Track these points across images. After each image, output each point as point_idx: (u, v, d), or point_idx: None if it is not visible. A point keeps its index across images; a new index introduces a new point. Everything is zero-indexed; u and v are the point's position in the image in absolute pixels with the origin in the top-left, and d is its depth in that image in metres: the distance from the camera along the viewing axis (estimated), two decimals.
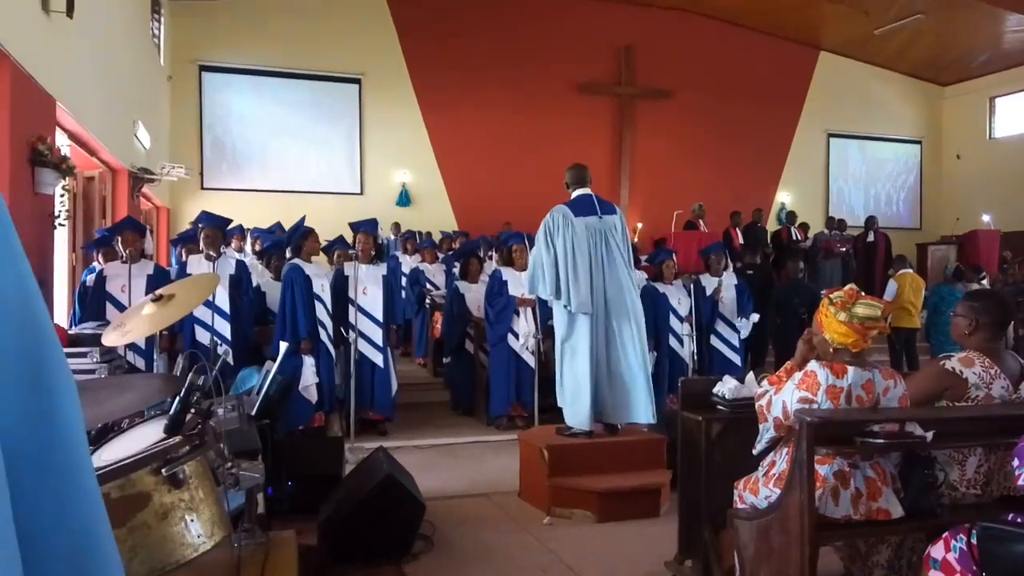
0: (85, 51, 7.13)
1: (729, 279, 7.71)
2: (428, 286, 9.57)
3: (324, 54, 14.19)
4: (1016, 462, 2.31)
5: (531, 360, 6.86)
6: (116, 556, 0.72)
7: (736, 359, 7.55)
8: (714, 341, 7.60)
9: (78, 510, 0.70)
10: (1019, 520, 2.34)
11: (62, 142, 6.72)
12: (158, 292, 2.57)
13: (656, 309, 7.36)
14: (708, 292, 7.60)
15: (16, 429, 0.65)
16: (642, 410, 4.94)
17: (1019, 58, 16.10)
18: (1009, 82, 16.77)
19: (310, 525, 3.89)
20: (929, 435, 2.78)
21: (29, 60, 5.31)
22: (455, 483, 5.35)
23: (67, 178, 5.87)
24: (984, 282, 11.07)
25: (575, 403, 4.97)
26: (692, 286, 7.56)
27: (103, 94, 7.97)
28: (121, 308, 5.74)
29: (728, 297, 7.60)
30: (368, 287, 6.63)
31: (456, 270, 8.97)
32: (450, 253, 10.69)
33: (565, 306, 4.93)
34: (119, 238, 6.02)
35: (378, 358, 6.63)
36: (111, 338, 2.58)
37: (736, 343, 7.60)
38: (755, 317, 7.69)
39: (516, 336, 6.92)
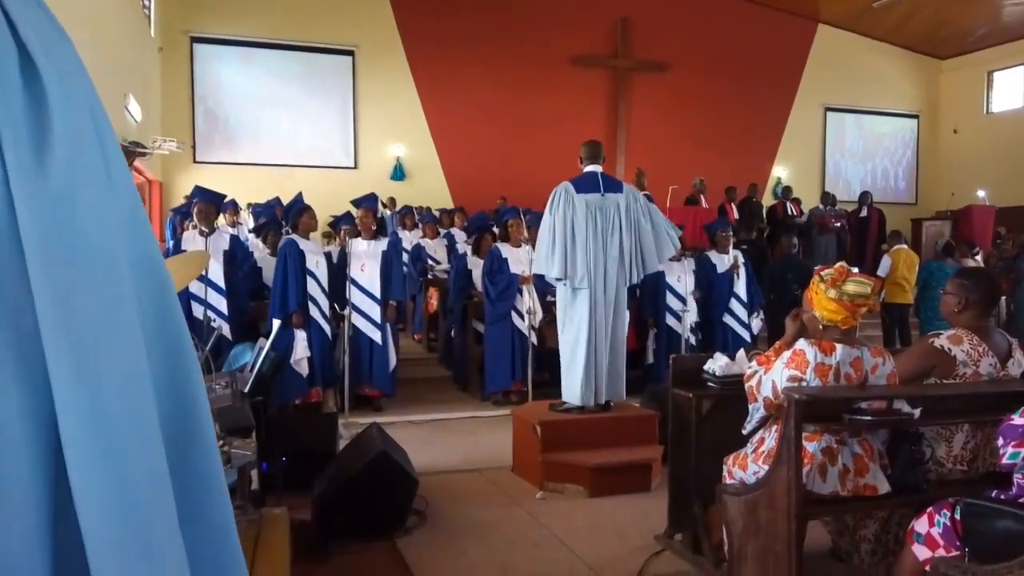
0: (74, 24, 7.03)
1: (741, 257, 7.71)
2: (430, 262, 9.55)
3: (317, 25, 14.03)
4: (1001, 440, 2.33)
5: (533, 337, 6.88)
6: (241, 553, 0.70)
7: (746, 335, 7.58)
8: (727, 319, 7.61)
9: (218, 512, 0.67)
10: (1002, 497, 2.37)
11: None
12: None
13: (655, 286, 7.38)
14: (720, 269, 7.59)
15: (167, 406, 0.63)
16: (619, 390, 5.04)
17: (1017, 32, 15.99)
18: (1007, 56, 16.68)
19: (304, 500, 3.93)
20: (916, 412, 2.81)
21: None
22: (449, 458, 5.39)
23: None
24: (977, 257, 11.11)
25: (569, 377, 5.04)
26: (695, 260, 7.57)
27: (92, 67, 7.76)
28: None
29: (741, 274, 7.61)
30: (366, 263, 6.62)
31: (460, 245, 8.96)
32: (453, 228, 10.67)
33: (558, 279, 4.98)
34: None
35: (376, 334, 6.63)
36: None
37: (747, 320, 7.63)
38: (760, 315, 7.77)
39: (520, 315, 6.93)
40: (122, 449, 0.57)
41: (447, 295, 8.19)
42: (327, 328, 6.44)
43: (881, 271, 9.41)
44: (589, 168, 5.15)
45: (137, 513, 0.58)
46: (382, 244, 6.78)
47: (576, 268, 4.91)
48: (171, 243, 6.70)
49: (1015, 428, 2.28)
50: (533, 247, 6.98)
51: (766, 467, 2.83)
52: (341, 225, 7.36)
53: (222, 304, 6.07)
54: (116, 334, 0.58)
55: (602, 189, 5.03)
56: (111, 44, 8.83)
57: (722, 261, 7.63)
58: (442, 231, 10.52)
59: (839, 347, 2.73)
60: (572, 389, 5.01)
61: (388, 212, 12.71)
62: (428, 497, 4.29)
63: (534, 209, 10.72)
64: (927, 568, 2.42)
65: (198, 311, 5.99)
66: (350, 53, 14.48)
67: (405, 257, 9.85)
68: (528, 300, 6.86)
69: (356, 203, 6.90)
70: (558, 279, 5.00)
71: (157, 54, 12.95)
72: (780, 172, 16.94)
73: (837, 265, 2.94)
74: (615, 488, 4.58)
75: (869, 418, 2.74)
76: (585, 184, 5.05)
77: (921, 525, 2.52)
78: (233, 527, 0.68)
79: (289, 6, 13.82)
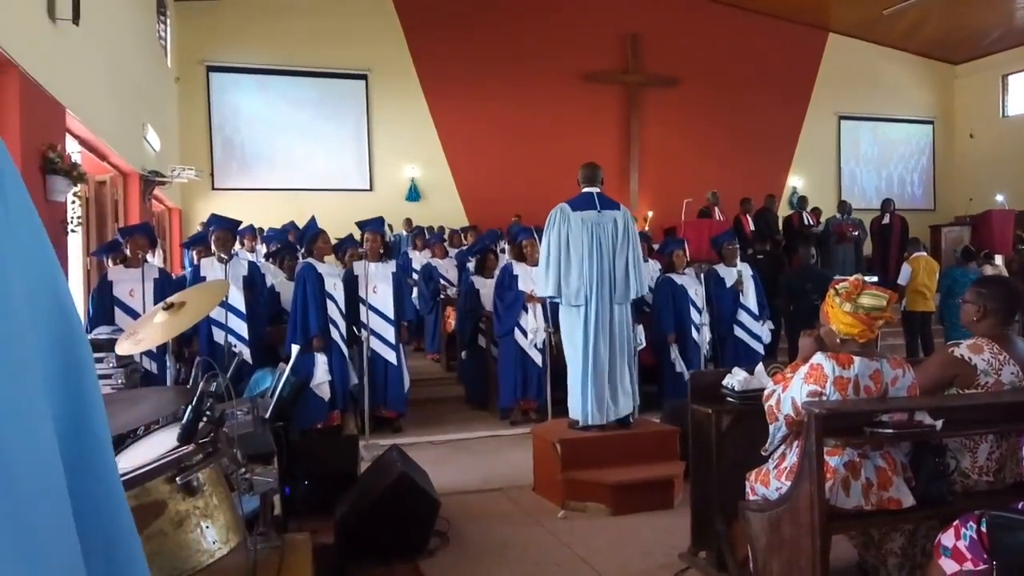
0: (92, 57, 7.19)
1: (747, 271, 7.68)
2: (442, 282, 9.59)
3: (330, 51, 14.22)
4: None
5: (538, 356, 6.89)
6: (142, 556, 0.75)
7: (760, 348, 7.53)
8: (738, 332, 7.57)
9: (112, 509, 0.73)
10: None
11: (72, 148, 6.79)
12: (169, 300, 2.61)
13: (675, 301, 7.38)
14: (728, 283, 7.57)
15: (61, 429, 0.67)
16: (622, 405, 4.99)
17: None
18: (1022, 59, 16.56)
19: (326, 524, 3.94)
20: (939, 423, 2.78)
21: (37, 69, 5.36)
22: (469, 478, 5.38)
23: (78, 184, 5.93)
24: (997, 261, 10.99)
25: (572, 397, 5.06)
26: (703, 275, 7.55)
27: (112, 98, 8.04)
28: (131, 312, 5.81)
29: (748, 288, 7.58)
30: (378, 285, 6.67)
31: (471, 265, 8.99)
32: (463, 248, 10.71)
33: (553, 298, 5.04)
34: (130, 241, 6.07)
35: (391, 355, 6.67)
36: (124, 347, 2.63)
37: (758, 332, 7.58)
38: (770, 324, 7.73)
39: (523, 332, 6.94)
40: (12, 461, 0.60)
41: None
42: (345, 350, 6.49)
43: (901, 279, 9.33)
44: (586, 189, 5.18)
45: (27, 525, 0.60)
46: (391, 266, 6.84)
47: (571, 285, 4.93)
48: (189, 271, 6.78)
49: None
50: None
51: (788, 483, 2.81)
52: (345, 247, 7.42)
53: (243, 329, 6.13)
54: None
55: (599, 206, 5.05)
56: (129, 76, 9.01)
57: (730, 274, 7.61)
58: (452, 251, 10.57)
59: (857, 360, 2.72)
60: (575, 408, 5.03)
61: (405, 233, 12.81)
62: (450, 518, 4.29)
63: None
64: None
65: (219, 336, 6.05)
66: (363, 77, 14.65)
67: (415, 277, 9.93)
68: (532, 319, 6.87)
69: (362, 226, 6.95)
70: (551, 297, 5.05)
71: (174, 84, 13.17)
72: (795, 182, 16.88)
73: (852, 278, 2.93)
74: (637, 506, 4.55)
75: (891, 431, 2.72)
76: (581, 202, 5.08)
77: (948, 538, 2.49)
78: (132, 530, 0.73)
79: (302, 33, 14.02)
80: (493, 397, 7.48)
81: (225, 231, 6.45)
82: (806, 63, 16.89)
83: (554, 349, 6.90)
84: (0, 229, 0.65)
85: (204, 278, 6.14)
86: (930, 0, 14.21)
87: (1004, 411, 3.02)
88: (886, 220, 12.11)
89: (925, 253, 9.70)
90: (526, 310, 6.96)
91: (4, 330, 0.62)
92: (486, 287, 7.62)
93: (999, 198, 13.20)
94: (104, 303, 5.96)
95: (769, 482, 2.95)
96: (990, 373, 2.98)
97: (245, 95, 14.12)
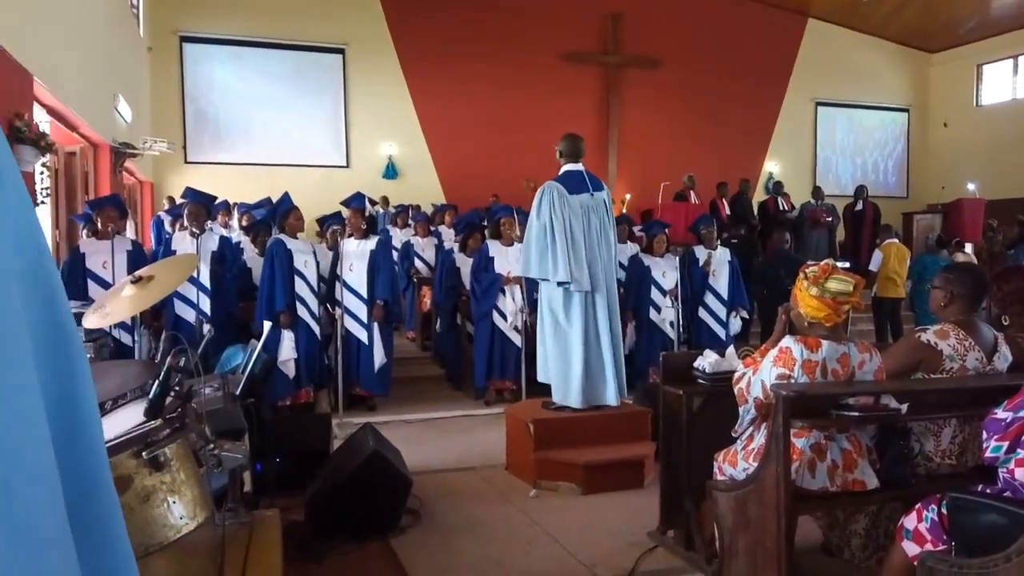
0: (61, 24, 7.02)
1: (724, 255, 7.71)
2: (417, 261, 9.53)
3: (307, 24, 14.01)
4: (984, 434, 2.35)
5: (516, 337, 6.88)
6: (127, 541, 0.72)
7: (722, 333, 7.57)
8: (702, 313, 7.62)
9: (100, 490, 0.69)
10: (987, 491, 2.39)
11: (40, 118, 6.64)
12: (137, 274, 2.57)
13: (640, 281, 7.39)
14: (701, 263, 7.60)
15: (52, 409, 0.64)
16: (611, 392, 5.00)
17: (1006, 24, 16.06)
18: (996, 49, 16.75)
19: (298, 501, 3.94)
20: (904, 407, 2.83)
21: (3, 35, 5.22)
22: (443, 457, 5.40)
23: (47, 155, 5.81)
24: (968, 250, 11.16)
25: (565, 381, 4.98)
26: (679, 259, 7.58)
27: (81, 68, 7.86)
28: (104, 284, 5.73)
29: (721, 272, 7.61)
30: (354, 263, 6.63)
31: (449, 242, 8.96)
32: (442, 226, 10.66)
33: (560, 284, 4.87)
34: (100, 214, 5.97)
35: (363, 334, 6.63)
36: (92, 320, 2.58)
37: (723, 317, 7.63)
38: (744, 314, 7.77)
39: (502, 315, 6.93)
40: (8, 450, 0.57)
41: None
42: (316, 328, 6.44)
43: (872, 265, 9.45)
44: (570, 166, 5.10)
45: (22, 515, 0.57)
46: (371, 243, 6.78)
47: (582, 271, 4.85)
48: (158, 245, 6.69)
49: (998, 422, 2.30)
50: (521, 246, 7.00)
51: (756, 464, 2.84)
52: (330, 224, 7.35)
53: (206, 305, 6.06)
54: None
55: (591, 189, 5.03)
56: (100, 45, 8.80)
57: (705, 256, 7.64)
58: (432, 229, 10.51)
59: (825, 343, 2.76)
60: (569, 393, 4.97)
61: (381, 211, 12.71)
62: (422, 496, 4.30)
63: (526, 208, 10.74)
64: (915, 563, 2.44)
65: (189, 314, 5.99)
66: (341, 51, 14.46)
67: (395, 255, 9.86)
68: (511, 301, 6.86)
69: (345, 203, 6.90)
70: (562, 283, 4.86)
71: (146, 54, 12.90)
72: (772, 167, 16.99)
73: (822, 263, 2.96)
74: (608, 485, 4.59)
75: (857, 414, 2.76)
76: (574, 184, 5.01)
77: (910, 521, 2.54)
78: (122, 529, 0.70)
79: (279, 5, 13.79)
80: (468, 376, 7.49)
81: (199, 205, 6.37)
82: (785, 48, 16.94)
83: (531, 330, 6.91)
84: None
85: (175, 252, 6.06)
86: None
87: (968, 396, 3.07)
88: (859, 207, 12.23)
89: (897, 240, 9.82)
90: (503, 292, 6.95)
91: None
92: (467, 265, 7.59)
93: (971, 187, 13.38)
94: (76, 275, 5.87)
95: (737, 463, 2.99)
96: (955, 359, 3.03)
97: (219, 67, 13.88)
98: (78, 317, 4.57)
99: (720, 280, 7.58)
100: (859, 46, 17.49)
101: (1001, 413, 2.31)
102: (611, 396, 5.00)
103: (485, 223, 8.27)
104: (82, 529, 0.62)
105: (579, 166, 5.11)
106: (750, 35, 16.28)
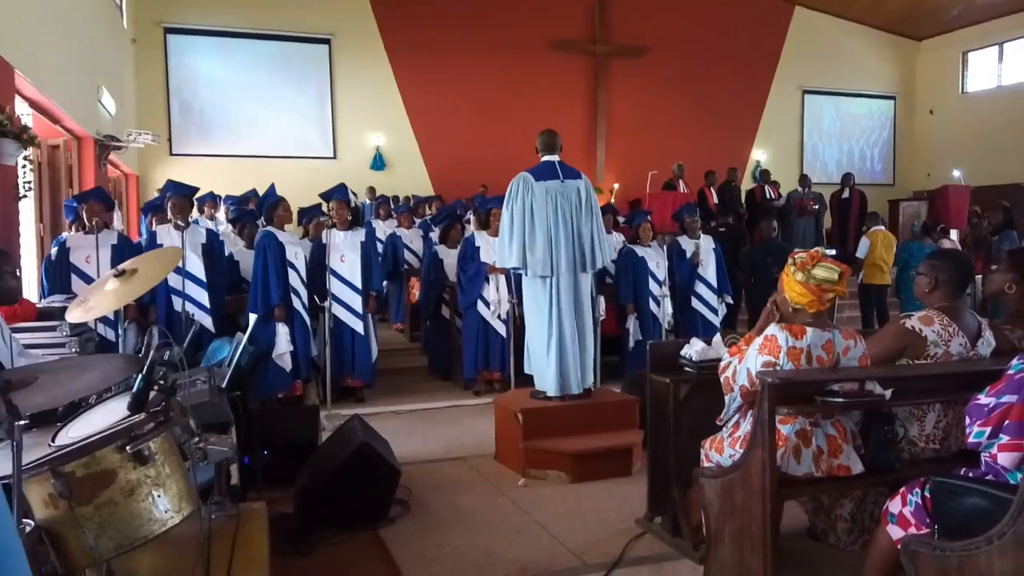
0: (43, 16, 6.94)
1: (708, 243, 7.75)
2: (406, 253, 9.51)
3: (292, 14, 13.90)
4: (967, 419, 2.37)
5: (501, 328, 6.90)
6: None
7: (715, 321, 7.64)
8: (695, 303, 7.66)
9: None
10: (970, 474, 2.42)
11: (23, 111, 6.57)
12: (120, 267, 2.55)
13: (636, 272, 7.42)
14: (688, 255, 7.64)
15: None
16: (588, 376, 5.05)
17: (991, 12, 16.12)
18: (982, 36, 16.82)
19: (287, 493, 3.94)
20: (888, 393, 2.85)
21: None
22: (432, 447, 5.41)
23: (29, 148, 5.74)
24: (953, 236, 11.24)
25: (538, 368, 5.08)
26: (666, 248, 7.60)
27: (64, 60, 7.77)
28: (87, 279, 5.68)
29: (708, 260, 7.65)
30: (346, 254, 6.61)
31: (434, 235, 8.95)
32: (426, 218, 10.64)
33: (516, 269, 5.02)
34: (84, 207, 5.92)
35: (358, 325, 6.62)
36: (75, 314, 2.57)
37: (715, 305, 7.69)
38: (729, 299, 7.83)
39: (487, 304, 6.94)
40: None
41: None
42: (308, 320, 6.43)
43: (859, 253, 9.50)
44: (546, 158, 5.15)
45: None
46: (360, 235, 6.76)
47: (536, 255, 4.91)
48: (145, 238, 6.64)
49: (981, 407, 2.32)
50: None
51: (742, 451, 2.86)
52: (313, 217, 7.31)
53: (203, 297, 6.02)
54: None
55: (561, 176, 5.04)
56: (83, 37, 8.71)
57: (691, 247, 7.68)
58: (418, 220, 10.49)
59: (810, 330, 2.77)
60: (543, 379, 5.04)
61: (368, 201, 12.66)
62: (411, 487, 4.32)
63: None
64: (900, 547, 2.46)
65: (178, 305, 5.95)
66: (326, 41, 14.36)
67: (380, 247, 9.83)
68: (495, 290, 6.87)
69: (325, 196, 6.85)
70: (515, 268, 5.03)
71: (130, 46, 12.78)
72: (759, 155, 17.02)
73: (812, 250, 2.98)
74: (596, 473, 4.61)
75: (841, 400, 2.78)
76: (543, 172, 5.06)
77: (894, 505, 2.56)
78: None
79: None
80: (457, 367, 7.50)
81: (182, 198, 6.31)
82: (772, 36, 16.95)
83: (517, 320, 6.93)
84: None
85: (160, 245, 6.01)
86: None
87: (951, 381, 3.10)
88: (846, 194, 12.28)
89: (883, 227, 9.87)
90: (488, 281, 6.95)
91: None
92: (450, 257, 7.59)
93: (956, 174, 13.45)
94: (61, 269, 5.82)
95: (723, 449, 3.01)
96: (939, 344, 3.06)
97: (204, 58, 13.76)
98: (63, 311, 4.54)
99: (708, 269, 7.64)
100: (846, 34, 17.52)
101: (984, 399, 2.33)
102: (574, 385, 5.03)
103: (467, 213, 8.26)
104: None
105: (554, 157, 5.14)
106: (737, 23, 16.27)
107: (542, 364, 5.03)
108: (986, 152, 15.83)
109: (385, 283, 9.32)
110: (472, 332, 7.01)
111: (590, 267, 5.08)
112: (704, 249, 7.64)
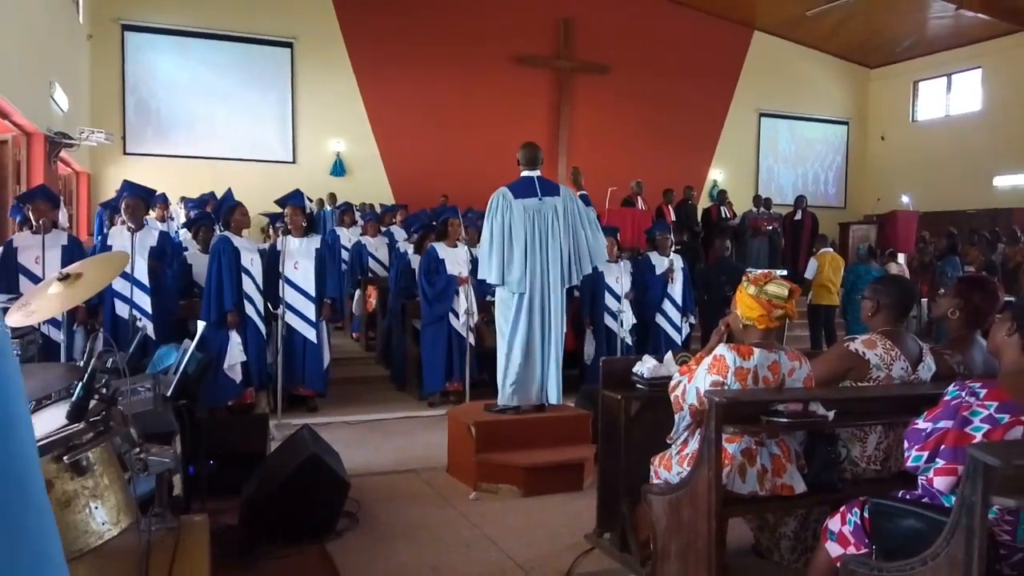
0: None
1: (678, 262, 7.85)
2: (371, 262, 9.43)
3: (255, 15, 13.77)
4: (906, 443, 2.44)
5: (470, 338, 6.88)
6: (59, 540, 0.68)
7: (678, 339, 7.74)
8: (659, 320, 7.75)
9: (34, 488, 0.64)
10: (907, 496, 2.48)
11: None
12: (64, 271, 2.49)
13: (594, 287, 7.47)
14: (658, 271, 7.71)
15: None
16: (555, 391, 5.09)
17: (941, 44, 16.70)
18: (931, 66, 17.41)
19: (233, 504, 3.87)
20: (831, 414, 2.92)
21: None
22: (384, 459, 5.36)
23: None
24: (900, 260, 11.56)
25: (505, 380, 5.07)
26: (633, 261, 7.68)
27: (15, 54, 7.57)
28: (35, 280, 5.52)
29: (677, 278, 7.75)
30: (299, 261, 6.52)
31: (402, 242, 8.87)
32: (393, 226, 10.58)
33: (495, 284, 5.04)
34: (30, 207, 5.76)
35: (311, 333, 6.54)
36: (15, 318, 2.49)
37: (679, 323, 7.78)
38: (692, 319, 7.94)
39: (457, 316, 6.91)
40: None
41: (386, 293, 8.14)
42: (262, 327, 6.33)
43: (808, 273, 9.71)
44: (526, 173, 5.18)
45: None
46: (315, 242, 6.69)
47: (513, 272, 4.95)
48: (98, 239, 6.48)
49: (919, 432, 2.39)
50: (469, 247, 7.01)
51: (689, 468, 2.90)
52: (275, 223, 7.22)
53: (147, 303, 5.88)
54: None
55: (539, 194, 5.08)
56: (36, 30, 8.50)
57: (661, 263, 7.77)
58: (383, 229, 10.41)
59: (757, 351, 2.83)
60: (504, 391, 5.06)
61: (328, 208, 12.56)
62: (361, 499, 4.27)
63: (476, 208, 10.73)
64: (838, 564, 2.51)
65: (123, 310, 5.81)
66: (289, 45, 14.25)
67: (345, 255, 9.74)
68: (465, 301, 6.85)
69: (281, 202, 6.77)
70: (495, 284, 5.05)
71: (86, 41, 12.50)
72: (716, 175, 17.33)
73: (767, 271, 3.06)
74: (548, 488, 4.62)
75: (786, 420, 2.84)
76: (522, 189, 5.09)
77: (834, 523, 2.62)
78: (53, 526, 0.67)
79: None
80: (412, 378, 7.44)
81: (137, 199, 6.16)
82: (731, 59, 17.30)
83: (478, 332, 6.93)
84: None
85: (111, 247, 5.88)
86: (851, 4, 14.73)
87: (893, 404, 3.18)
88: (798, 216, 12.57)
89: (832, 249, 10.12)
90: (458, 294, 6.93)
91: None
92: None
93: (904, 199, 13.86)
94: (8, 269, 5.65)
95: (671, 467, 3.05)
96: (882, 368, 3.14)
97: (162, 57, 13.54)
98: (3, 312, 4.40)
99: (676, 287, 7.74)
100: (802, 59, 17.98)
101: (921, 423, 2.40)
102: (550, 395, 5.08)
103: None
104: (9, 528, 0.60)
105: (534, 173, 5.17)
106: (698, 45, 16.58)
107: (506, 376, 5.04)
108: (934, 179, 16.35)
109: (357, 292, 9.27)
110: (440, 345, 6.95)
111: (571, 280, 5.14)
112: (676, 267, 7.74)
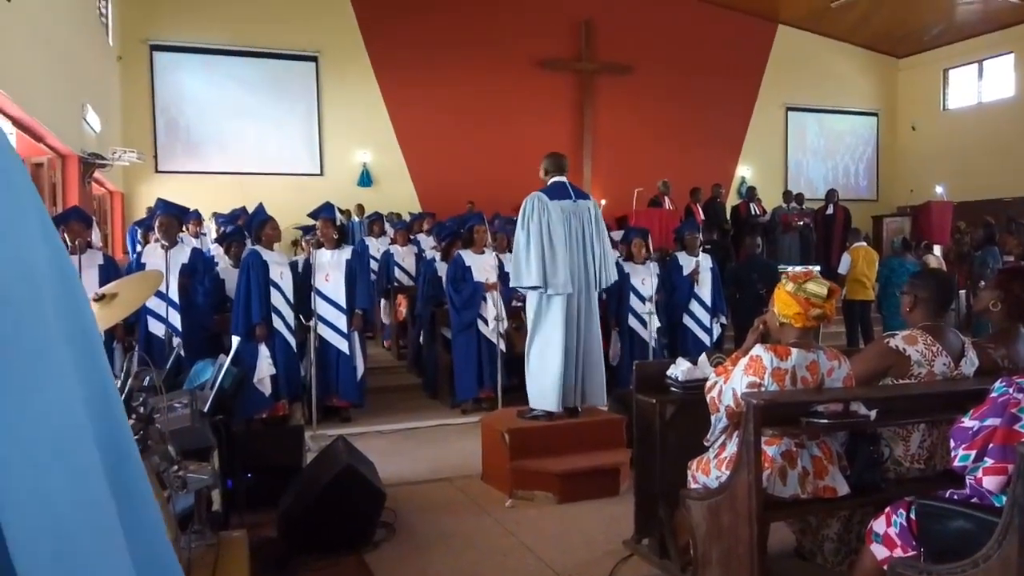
0: (26, 33, 6.90)
1: (706, 262, 7.76)
2: (397, 271, 9.47)
3: (279, 31, 13.91)
4: (952, 443, 2.37)
5: (502, 345, 6.85)
6: (156, 504, 0.76)
7: (707, 340, 7.63)
8: (687, 321, 7.66)
9: (133, 461, 0.72)
10: (955, 496, 2.41)
11: (6, 129, 6.53)
12: (100, 291, 2.53)
13: (620, 288, 7.41)
14: (685, 271, 7.64)
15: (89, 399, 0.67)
16: (599, 394, 5.05)
17: (971, 30, 16.36)
18: (961, 54, 17.05)
19: (270, 517, 3.89)
20: (873, 413, 2.85)
21: None
22: (418, 468, 5.36)
23: None
24: (936, 252, 11.34)
25: (543, 385, 5.00)
26: (658, 264, 7.61)
27: (48, 78, 7.74)
28: None
29: (705, 279, 7.66)
30: (330, 273, 6.57)
31: (429, 250, 8.89)
32: (420, 234, 10.60)
33: (537, 287, 4.91)
34: (64, 228, 5.86)
35: (343, 344, 6.57)
36: None
37: (708, 324, 7.69)
38: (723, 320, 7.84)
39: (486, 322, 6.90)
40: (56, 488, 0.60)
41: (415, 302, 8.16)
42: (292, 340, 6.37)
43: (841, 268, 9.55)
44: (555, 179, 5.15)
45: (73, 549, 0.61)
46: (346, 253, 6.73)
47: (558, 274, 4.88)
48: (133, 256, 6.59)
49: (965, 431, 2.32)
50: (497, 253, 6.99)
51: (728, 472, 2.85)
52: (307, 236, 7.28)
53: (176, 320, 5.95)
54: (45, 376, 0.62)
55: (573, 196, 5.06)
56: (68, 54, 8.68)
57: (689, 263, 7.69)
58: (411, 237, 10.46)
59: (794, 351, 2.77)
60: (545, 395, 4.97)
61: (357, 219, 12.63)
62: (397, 509, 4.27)
63: (502, 214, 10.74)
64: (885, 567, 2.46)
65: (156, 327, 5.89)
66: (313, 59, 14.37)
67: (374, 265, 9.79)
68: (493, 307, 6.84)
69: (313, 215, 6.83)
70: (536, 287, 4.92)
71: (116, 63, 12.74)
72: (744, 172, 17.14)
73: (807, 268, 3.01)
74: (584, 494, 4.59)
75: (826, 421, 2.78)
76: (556, 192, 5.06)
77: (879, 525, 2.56)
78: (150, 493, 0.75)
79: (250, 12, 13.68)
80: (444, 386, 7.45)
81: (170, 216, 6.26)
82: (755, 54, 17.11)
83: (507, 337, 6.91)
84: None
85: (145, 265, 5.97)
86: None
87: (936, 401, 3.11)
88: (830, 210, 12.37)
89: (865, 243, 9.94)
90: (485, 300, 6.92)
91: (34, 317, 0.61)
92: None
93: (939, 190, 13.59)
94: None
95: (710, 471, 3.00)
96: (923, 364, 3.07)
97: (190, 75, 13.74)
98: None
99: (704, 287, 7.64)
100: (828, 51, 17.72)
101: (968, 422, 2.33)
102: (594, 397, 5.06)
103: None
104: (119, 494, 0.67)
105: (563, 178, 5.16)
106: (721, 42, 16.43)
107: (543, 380, 4.97)
108: (968, 168, 16.01)
109: (382, 301, 9.32)
110: (471, 353, 6.95)
111: (598, 285, 5.10)
112: (702, 267, 7.65)
